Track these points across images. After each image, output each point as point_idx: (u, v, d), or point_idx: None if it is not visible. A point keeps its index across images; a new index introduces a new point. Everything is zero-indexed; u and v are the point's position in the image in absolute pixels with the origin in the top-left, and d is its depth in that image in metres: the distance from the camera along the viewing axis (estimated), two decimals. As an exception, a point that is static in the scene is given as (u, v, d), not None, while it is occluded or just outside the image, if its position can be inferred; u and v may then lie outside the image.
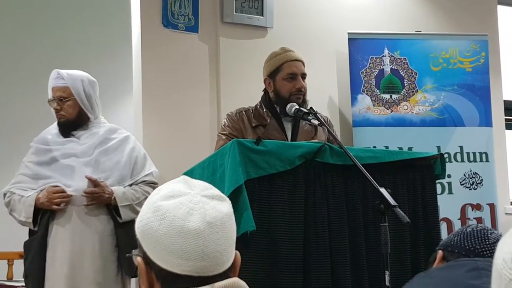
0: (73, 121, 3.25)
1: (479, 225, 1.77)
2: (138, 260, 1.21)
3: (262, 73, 3.40)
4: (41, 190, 3.12)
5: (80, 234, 3.08)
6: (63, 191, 3.09)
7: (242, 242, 2.47)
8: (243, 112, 3.31)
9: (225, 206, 1.23)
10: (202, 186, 1.25)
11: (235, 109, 3.37)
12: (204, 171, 2.78)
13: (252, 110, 3.32)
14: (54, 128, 3.32)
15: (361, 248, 2.73)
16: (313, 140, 3.15)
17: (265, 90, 3.37)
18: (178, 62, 4.21)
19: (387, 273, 2.49)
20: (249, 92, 3.84)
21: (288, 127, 3.27)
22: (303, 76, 3.29)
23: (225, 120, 3.33)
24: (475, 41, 4.65)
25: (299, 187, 2.66)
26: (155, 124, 4.10)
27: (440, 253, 1.72)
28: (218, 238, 1.19)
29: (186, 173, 2.97)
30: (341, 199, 2.74)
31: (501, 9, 5.34)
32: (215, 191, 1.26)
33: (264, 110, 3.29)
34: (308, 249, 2.62)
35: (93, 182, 3.10)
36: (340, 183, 2.76)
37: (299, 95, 3.24)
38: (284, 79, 3.27)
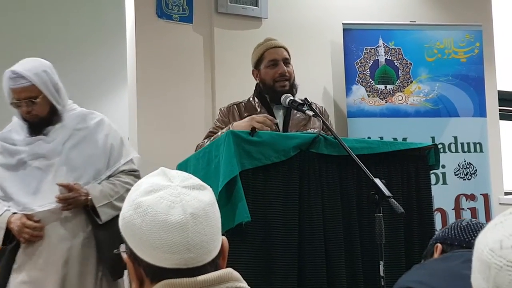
0: (46, 118, 2.94)
1: (472, 219, 1.80)
2: (125, 257, 1.21)
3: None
4: (13, 213, 2.86)
5: (56, 241, 2.85)
6: (37, 223, 2.83)
7: (237, 233, 2.48)
8: (234, 106, 3.32)
9: (206, 195, 1.23)
10: (182, 177, 1.24)
11: (228, 104, 3.37)
12: (199, 162, 2.79)
13: (244, 103, 3.32)
14: (19, 125, 3.00)
15: (356, 239, 2.74)
16: (307, 131, 3.16)
17: (257, 84, 3.38)
18: (173, 53, 4.21)
19: (381, 263, 2.50)
20: (243, 82, 3.83)
21: (279, 115, 3.26)
22: (286, 61, 3.28)
23: (217, 115, 3.35)
24: (469, 31, 4.65)
25: (294, 177, 2.66)
26: (149, 115, 4.09)
27: (439, 246, 1.72)
28: (203, 228, 1.19)
29: (180, 164, 2.97)
30: (336, 190, 2.75)
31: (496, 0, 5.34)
32: (195, 180, 1.25)
33: (256, 101, 3.30)
34: (302, 239, 2.63)
35: (66, 188, 2.84)
36: (335, 173, 2.76)
37: (284, 80, 3.24)
38: (267, 67, 3.28)
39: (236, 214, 2.48)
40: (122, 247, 1.24)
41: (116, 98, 5.76)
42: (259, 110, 3.25)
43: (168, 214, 1.17)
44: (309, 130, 3.16)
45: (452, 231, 1.73)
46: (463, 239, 1.66)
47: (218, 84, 4.23)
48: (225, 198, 2.51)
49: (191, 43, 4.25)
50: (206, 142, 3.05)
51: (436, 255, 1.71)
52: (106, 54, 5.81)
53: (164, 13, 4.20)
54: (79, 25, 5.81)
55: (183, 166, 2.92)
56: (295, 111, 3.20)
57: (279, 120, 3.24)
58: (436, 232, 1.90)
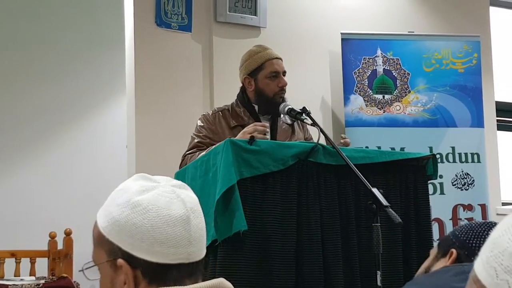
0: None
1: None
2: (120, 262, 1.19)
3: (240, 71, 3.30)
4: None
5: None
6: None
7: (234, 241, 2.48)
8: (219, 112, 3.23)
9: (193, 193, 1.28)
10: (165, 178, 1.27)
11: (211, 110, 3.31)
12: (197, 171, 2.78)
13: (229, 109, 3.25)
14: None
15: (354, 248, 2.74)
16: (305, 141, 3.17)
17: (242, 89, 3.30)
18: (171, 61, 4.21)
19: (378, 273, 2.50)
20: (242, 91, 3.84)
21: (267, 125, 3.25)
22: (284, 73, 3.26)
23: (200, 122, 3.23)
24: (467, 42, 4.67)
25: (292, 187, 2.66)
26: (148, 123, 4.10)
27: (454, 253, 1.61)
28: (199, 222, 1.24)
29: (178, 173, 2.97)
30: (334, 199, 2.75)
31: (493, 10, 5.36)
32: (177, 181, 1.28)
33: (242, 109, 3.24)
34: (300, 248, 2.62)
35: None
36: (333, 183, 2.76)
37: (282, 93, 3.22)
38: (267, 78, 3.20)
39: (233, 223, 2.48)
40: (89, 263, 1.23)
41: (114, 106, 5.76)
42: (246, 119, 3.20)
43: (170, 209, 1.20)
44: (295, 141, 3.17)
45: (476, 240, 1.59)
46: None
47: (217, 93, 4.23)
48: (222, 207, 2.51)
49: (190, 52, 4.26)
50: (198, 154, 3.00)
51: (448, 262, 1.64)
52: (105, 62, 5.81)
53: (163, 22, 4.21)
54: (78, 33, 5.82)
55: (181, 175, 2.92)
56: (281, 121, 3.23)
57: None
58: (458, 227, 1.69)
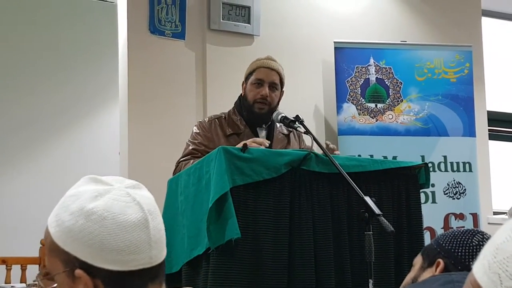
0: None
1: (484, 235, 1.61)
2: (79, 273, 1.12)
3: None
4: None
5: None
6: None
7: (227, 249, 2.48)
8: (216, 120, 3.22)
9: (148, 192, 1.22)
10: (117, 179, 1.21)
11: (207, 117, 3.30)
12: (190, 178, 2.78)
13: (225, 117, 3.24)
14: None
15: (346, 256, 2.74)
16: (298, 148, 3.17)
17: (240, 96, 3.30)
18: (165, 69, 4.22)
19: (370, 281, 2.50)
20: (235, 99, 3.84)
21: (262, 135, 3.21)
22: (272, 85, 3.17)
23: (196, 128, 3.21)
24: (459, 51, 4.69)
25: (285, 194, 2.66)
26: (141, 130, 4.09)
27: (441, 263, 1.60)
28: (158, 223, 1.18)
29: (171, 180, 2.97)
30: (326, 207, 2.75)
31: (485, 21, 5.39)
32: (130, 181, 1.22)
33: (238, 117, 3.22)
34: (292, 256, 2.62)
35: None
36: (326, 191, 2.77)
37: (263, 104, 3.15)
38: (252, 84, 3.19)
39: (226, 231, 2.47)
40: (44, 273, 1.17)
41: (108, 113, 5.76)
42: (242, 128, 3.19)
43: (127, 214, 1.14)
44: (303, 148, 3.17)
45: (460, 249, 1.59)
46: (469, 265, 1.52)
47: (210, 100, 4.24)
48: (215, 214, 2.51)
49: (183, 59, 4.26)
50: (192, 161, 2.99)
51: (436, 271, 1.63)
52: (99, 69, 5.81)
53: (156, 29, 4.22)
54: (72, 40, 5.82)
55: (174, 182, 2.92)
56: (277, 130, 3.22)
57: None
58: (440, 236, 1.68)
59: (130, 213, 1.14)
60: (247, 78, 3.25)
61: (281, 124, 3.19)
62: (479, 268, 0.84)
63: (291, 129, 3.19)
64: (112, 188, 1.17)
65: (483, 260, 0.85)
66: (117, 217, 1.13)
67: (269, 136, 3.23)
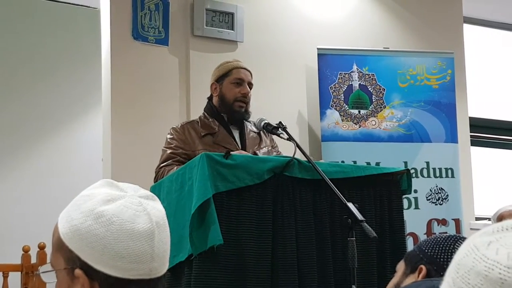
0: None
1: (467, 239, 1.64)
2: (78, 273, 1.14)
3: (210, 80, 3.32)
4: None
5: None
6: None
7: (209, 255, 2.47)
8: (187, 124, 3.26)
9: (160, 205, 1.23)
10: (132, 187, 1.23)
11: (179, 123, 3.32)
12: (172, 184, 2.78)
13: (197, 121, 3.27)
14: None
15: (329, 262, 2.75)
16: (261, 148, 3.21)
17: (209, 99, 3.33)
18: (148, 75, 4.21)
19: (353, 287, 2.51)
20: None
21: (236, 135, 3.26)
22: (250, 85, 3.27)
23: (169, 135, 3.24)
24: (441, 58, 4.72)
25: (268, 201, 2.67)
26: (124, 136, 4.08)
27: (423, 269, 1.61)
28: (164, 237, 1.19)
29: (154, 186, 2.96)
30: (309, 213, 2.75)
31: (467, 28, 5.44)
32: (145, 191, 1.23)
33: (211, 119, 3.25)
34: (275, 262, 2.63)
35: None
36: (308, 197, 2.77)
37: (243, 102, 3.23)
38: (232, 83, 3.24)
39: (208, 237, 2.47)
40: (46, 267, 1.19)
41: (90, 119, 5.74)
42: (216, 128, 3.22)
43: (135, 223, 1.15)
44: (263, 148, 3.23)
45: (443, 255, 1.59)
46: None
47: (194, 106, 4.23)
48: (198, 221, 2.50)
49: (167, 65, 4.26)
50: (176, 167, 2.98)
51: (419, 278, 1.64)
52: (82, 75, 5.79)
53: (140, 35, 4.21)
54: (55, 46, 5.80)
55: (156, 188, 2.91)
56: (248, 129, 3.26)
57: (237, 139, 3.25)
58: (422, 242, 1.68)
59: (138, 222, 1.15)
60: (220, 79, 3.27)
61: (251, 122, 3.25)
62: (445, 286, 0.86)
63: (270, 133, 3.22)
64: (125, 194, 1.19)
65: (447, 278, 0.87)
66: (124, 223, 1.14)
67: (242, 135, 3.26)
